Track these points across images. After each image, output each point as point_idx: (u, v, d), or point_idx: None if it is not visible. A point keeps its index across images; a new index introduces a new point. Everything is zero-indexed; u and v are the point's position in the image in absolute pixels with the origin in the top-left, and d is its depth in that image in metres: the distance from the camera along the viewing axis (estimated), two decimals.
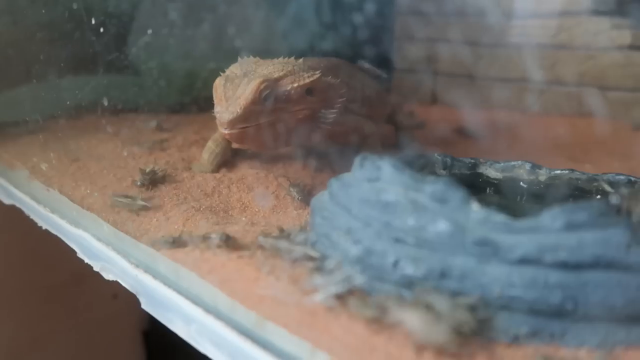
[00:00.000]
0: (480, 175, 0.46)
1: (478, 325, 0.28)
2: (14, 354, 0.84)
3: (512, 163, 0.45)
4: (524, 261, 0.29)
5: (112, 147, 0.67)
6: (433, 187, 0.33)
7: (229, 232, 0.41)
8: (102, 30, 0.69)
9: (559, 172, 0.44)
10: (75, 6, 0.68)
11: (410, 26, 1.10)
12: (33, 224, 0.56)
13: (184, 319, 0.38)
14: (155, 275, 0.41)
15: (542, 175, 0.44)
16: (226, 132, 0.49)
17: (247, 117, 0.48)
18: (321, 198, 0.41)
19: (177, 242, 0.41)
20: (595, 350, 0.28)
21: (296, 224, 0.44)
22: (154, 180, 0.54)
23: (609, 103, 0.89)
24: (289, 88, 0.50)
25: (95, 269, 0.47)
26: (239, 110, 0.48)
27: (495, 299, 0.29)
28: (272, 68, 0.52)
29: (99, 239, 0.48)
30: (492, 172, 0.46)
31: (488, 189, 0.45)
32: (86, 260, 0.48)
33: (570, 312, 0.28)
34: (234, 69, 0.54)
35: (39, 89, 0.72)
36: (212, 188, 0.53)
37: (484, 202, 0.32)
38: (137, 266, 0.43)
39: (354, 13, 0.79)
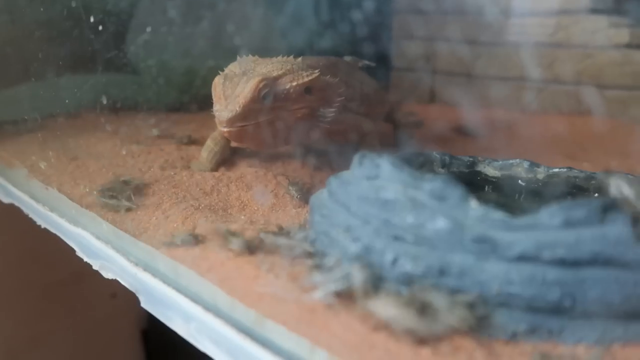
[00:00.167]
0: (479, 173, 0.46)
1: (476, 323, 0.28)
2: (12, 352, 0.84)
3: (511, 161, 0.45)
4: (522, 258, 0.29)
5: (111, 145, 0.67)
6: (432, 184, 0.33)
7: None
8: (100, 28, 0.69)
9: (557, 170, 0.44)
10: (74, 4, 0.68)
11: (408, 24, 1.10)
12: (32, 222, 0.56)
13: (183, 317, 0.38)
14: (155, 273, 0.41)
15: (540, 173, 0.44)
16: (225, 130, 0.49)
17: (246, 115, 0.49)
18: (320, 196, 0.41)
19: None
20: (593, 346, 0.29)
21: (295, 222, 0.44)
22: (122, 191, 0.50)
23: (606, 101, 0.90)
24: (287, 87, 0.51)
25: (95, 267, 0.47)
26: (238, 109, 0.48)
27: (494, 296, 0.29)
28: (271, 67, 0.52)
29: (98, 238, 0.48)
30: (490, 170, 0.46)
31: (486, 187, 0.45)
32: (85, 259, 0.48)
33: (568, 309, 0.29)
34: (232, 68, 0.54)
35: (37, 88, 0.72)
36: (211, 186, 0.53)
37: (483, 199, 0.32)
38: (136, 264, 0.43)
39: (352, 11, 0.79)
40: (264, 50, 0.58)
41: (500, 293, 0.29)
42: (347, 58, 0.68)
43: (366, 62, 0.69)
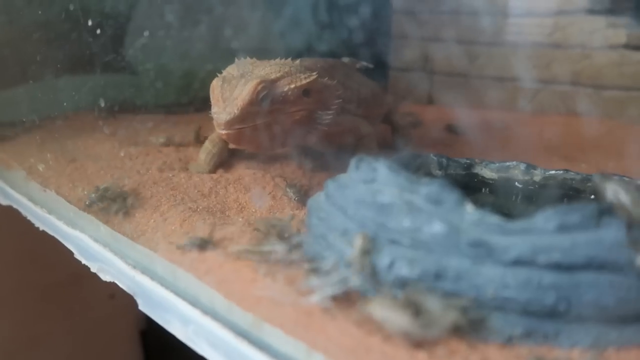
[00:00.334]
0: (476, 175, 0.46)
1: (472, 326, 0.29)
2: (11, 353, 0.84)
3: (507, 163, 0.46)
4: (517, 262, 0.30)
5: (109, 147, 0.67)
6: (428, 188, 0.33)
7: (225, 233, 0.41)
8: (99, 30, 0.69)
9: (553, 172, 0.44)
10: (72, 6, 0.68)
11: (406, 26, 1.10)
12: (30, 224, 0.56)
13: (181, 320, 0.38)
14: (153, 276, 0.41)
15: (537, 175, 0.45)
16: (223, 132, 0.49)
17: (244, 117, 0.49)
18: (317, 199, 0.41)
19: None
20: (588, 350, 0.29)
21: (293, 224, 0.44)
22: (103, 197, 0.49)
23: (604, 102, 0.90)
24: (285, 89, 0.51)
25: (93, 270, 0.47)
26: (236, 111, 0.48)
27: (490, 299, 0.29)
28: (269, 69, 0.52)
29: (96, 240, 0.48)
30: (487, 172, 0.46)
31: (483, 189, 0.46)
32: (83, 262, 0.48)
33: (563, 313, 0.29)
34: (231, 70, 0.54)
35: (35, 89, 0.72)
36: (209, 189, 0.53)
37: (479, 202, 0.32)
38: (134, 267, 0.43)
39: (350, 13, 0.79)
40: (261, 53, 0.58)
41: (496, 297, 0.29)
42: (345, 59, 0.68)
43: (364, 63, 0.69)
